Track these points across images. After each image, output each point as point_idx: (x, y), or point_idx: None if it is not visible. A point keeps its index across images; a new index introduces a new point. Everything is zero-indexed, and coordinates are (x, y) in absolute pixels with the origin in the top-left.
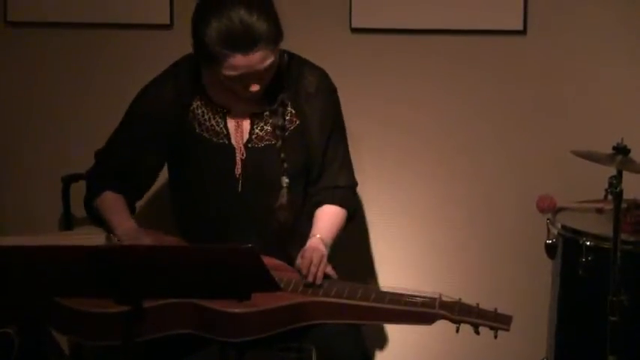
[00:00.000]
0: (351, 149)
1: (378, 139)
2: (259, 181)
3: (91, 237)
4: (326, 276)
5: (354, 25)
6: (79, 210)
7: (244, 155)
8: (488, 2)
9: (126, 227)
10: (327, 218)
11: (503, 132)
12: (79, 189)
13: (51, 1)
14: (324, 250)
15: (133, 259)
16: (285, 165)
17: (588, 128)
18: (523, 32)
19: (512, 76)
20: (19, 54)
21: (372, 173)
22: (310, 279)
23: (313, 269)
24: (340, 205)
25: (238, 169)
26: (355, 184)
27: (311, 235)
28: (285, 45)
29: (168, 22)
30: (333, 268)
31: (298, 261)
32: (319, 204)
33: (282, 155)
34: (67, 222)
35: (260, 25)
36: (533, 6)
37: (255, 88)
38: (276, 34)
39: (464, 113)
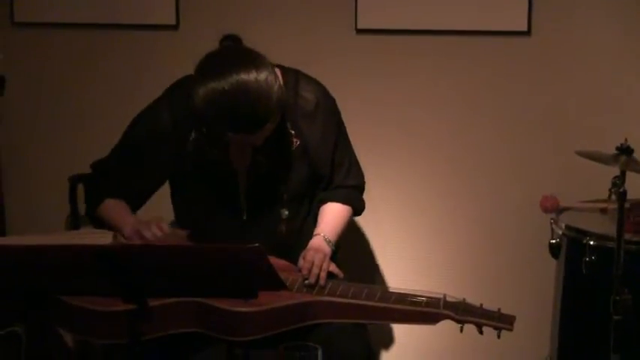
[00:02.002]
0: (355, 149)
1: (382, 139)
2: (263, 209)
3: (98, 236)
4: (331, 275)
5: (359, 26)
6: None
7: (247, 183)
8: (493, 3)
9: (131, 223)
10: (331, 216)
11: (507, 132)
12: None
13: (57, 2)
14: (326, 250)
15: (139, 258)
16: (285, 196)
17: (592, 129)
18: (527, 33)
19: (517, 76)
20: (25, 54)
21: (377, 173)
22: (312, 280)
23: (315, 270)
24: (344, 202)
25: (242, 199)
26: (363, 183)
27: (314, 234)
28: (291, 46)
29: (174, 22)
30: (338, 266)
31: (300, 262)
32: (323, 202)
33: (282, 186)
34: (74, 221)
35: (267, 98)
36: (538, 7)
37: (254, 144)
38: (282, 101)
39: (469, 113)
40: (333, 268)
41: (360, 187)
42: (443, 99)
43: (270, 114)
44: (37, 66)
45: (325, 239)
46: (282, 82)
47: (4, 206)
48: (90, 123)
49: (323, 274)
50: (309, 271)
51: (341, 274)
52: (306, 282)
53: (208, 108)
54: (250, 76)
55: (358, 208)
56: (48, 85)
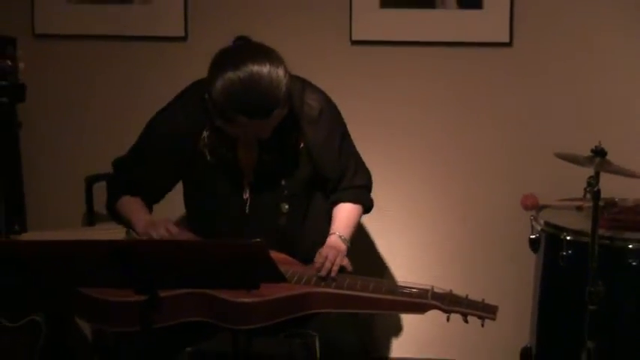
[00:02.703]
0: None
1: (377, 144)
2: (264, 203)
3: (112, 232)
4: (343, 269)
5: (354, 38)
6: (100, 207)
7: (252, 179)
8: (477, 16)
9: (143, 221)
10: (344, 215)
11: (491, 136)
12: (100, 188)
13: (74, 16)
14: (341, 247)
15: (150, 252)
16: (286, 192)
17: (569, 132)
18: (509, 44)
19: (500, 84)
20: (45, 64)
21: (374, 177)
22: (323, 273)
23: (328, 264)
24: (354, 202)
25: (246, 193)
26: (370, 182)
27: (330, 232)
28: (289, 57)
29: (183, 34)
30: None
31: (316, 257)
32: (335, 203)
33: (283, 182)
34: (90, 218)
35: (276, 88)
36: (518, 21)
37: (261, 137)
38: (289, 93)
39: (455, 120)
40: (345, 262)
41: (367, 186)
42: (432, 105)
43: (279, 102)
44: (55, 75)
45: (340, 237)
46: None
47: (25, 204)
48: (104, 127)
49: (335, 268)
50: (322, 264)
51: (350, 268)
52: (318, 274)
53: (225, 95)
54: (263, 68)
55: (367, 205)
56: (65, 93)
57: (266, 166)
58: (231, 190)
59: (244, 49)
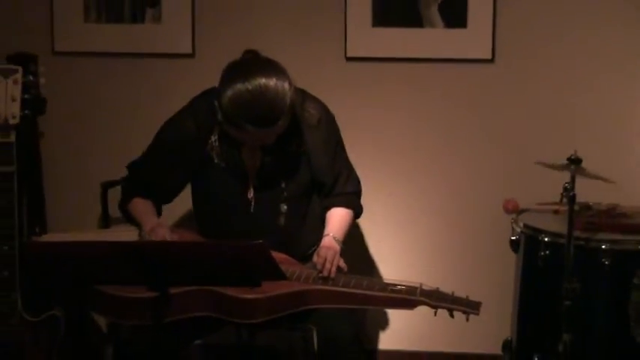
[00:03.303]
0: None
1: (369, 151)
2: (266, 203)
3: (125, 234)
4: (339, 269)
5: (348, 55)
6: (115, 211)
7: (256, 181)
8: (462, 35)
9: (151, 223)
10: (337, 218)
11: (475, 146)
12: (115, 193)
13: (91, 34)
14: (336, 248)
15: (161, 253)
16: (285, 194)
17: (547, 142)
18: (492, 61)
19: (483, 98)
20: (63, 79)
21: (367, 183)
22: (326, 273)
23: (328, 265)
24: (347, 207)
25: (250, 193)
26: (360, 190)
27: (324, 234)
28: (290, 71)
29: (190, 51)
30: (346, 263)
31: (315, 258)
32: (328, 208)
33: (283, 185)
34: (105, 221)
35: (281, 99)
36: (500, 39)
37: (265, 143)
38: (293, 103)
39: (442, 130)
40: (341, 263)
41: (357, 193)
42: (421, 117)
43: (283, 112)
44: (73, 89)
45: (334, 238)
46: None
47: (45, 208)
48: (118, 136)
49: (334, 269)
50: (323, 265)
51: (345, 268)
52: (320, 275)
53: (235, 104)
54: (270, 81)
55: (358, 211)
56: (82, 105)
57: (268, 168)
58: (237, 190)
59: (253, 63)
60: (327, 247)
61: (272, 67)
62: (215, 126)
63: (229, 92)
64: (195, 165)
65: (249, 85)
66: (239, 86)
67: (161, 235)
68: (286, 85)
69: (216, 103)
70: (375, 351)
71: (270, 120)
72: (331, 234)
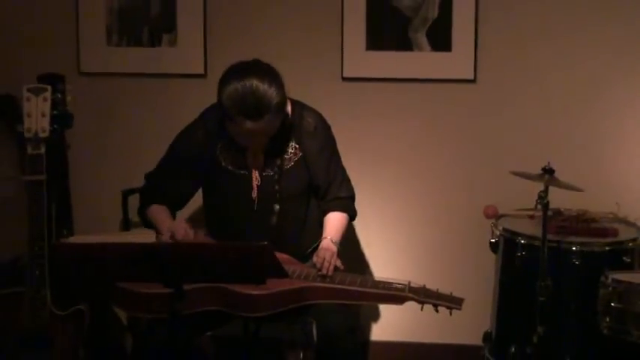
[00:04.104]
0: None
1: (363, 161)
2: (266, 202)
3: (144, 236)
4: (336, 268)
5: (344, 75)
6: (134, 215)
7: (259, 182)
8: (447, 58)
9: (168, 224)
10: (334, 222)
11: (459, 158)
12: (134, 200)
13: (113, 56)
14: (333, 249)
15: (176, 253)
16: (278, 195)
17: (523, 154)
18: (474, 81)
19: (466, 114)
20: (89, 96)
21: (361, 190)
22: (324, 272)
23: (326, 265)
24: (342, 211)
25: (254, 193)
26: (354, 194)
27: (323, 237)
28: (292, 89)
29: (202, 72)
30: (343, 263)
31: (314, 259)
32: (326, 212)
33: (277, 187)
34: (126, 225)
35: (269, 98)
36: (482, 62)
37: (257, 142)
38: (280, 106)
39: (429, 142)
40: (338, 262)
41: (352, 198)
42: (410, 131)
43: (270, 108)
44: (97, 105)
45: (332, 241)
46: (288, 99)
47: (72, 213)
48: (137, 148)
49: (331, 268)
50: (322, 265)
51: (342, 267)
52: (320, 273)
53: (229, 99)
54: (260, 82)
55: (352, 215)
56: (105, 120)
57: (268, 170)
58: (242, 190)
59: (251, 66)
60: (325, 248)
61: (265, 72)
62: (222, 132)
63: (226, 89)
64: (205, 171)
65: (243, 84)
66: (234, 84)
67: (182, 229)
68: (274, 86)
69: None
70: (368, 342)
71: (257, 113)
72: (329, 237)
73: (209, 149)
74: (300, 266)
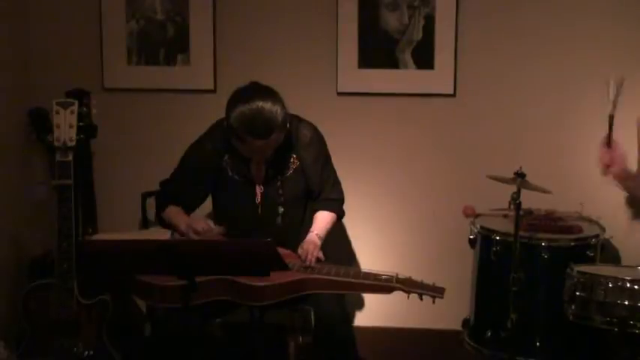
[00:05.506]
0: (338, 175)
1: (354, 167)
2: (269, 206)
3: (160, 234)
4: (319, 259)
5: (339, 90)
6: (152, 216)
7: (262, 189)
8: (430, 75)
9: (184, 222)
10: (321, 219)
11: (441, 163)
12: (152, 202)
13: (133, 74)
14: (317, 242)
15: (189, 249)
16: (282, 199)
17: (498, 160)
18: (454, 95)
19: (446, 124)
20: (111, 109)
21: (351, 192)
22: (307, 263)
23: (309, 257)
24: (330, 210)
25: (258, 199)
26: (343, 197)
27: (310, 231)
28: (289, 103)
29: (212, 88)
30: (325, 254)
31: (299, 250)
32: (316, 211)
33: (280, 192)
34: (144, 224)
35: (275, 117)
36: (461, 78)
37: (263, 154)
38: (284, 122)
39: (414, 149)
40: (320, 254)
41: (341, 200)
42: (397, 139)
43: (275, 127)
44: (119, 118)
45: (317, 235)
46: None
47: (96, 213)
48: (154, 156)
49: (313, 259)
50: (305, 256)
51: (323, 258)
52: (302, 264)
53: (238, 121)
54: (266, 104)
55: (340, 214)
56: (126, 131)
57: (270, 178)
58: (247, 196)
59: (254, 89)
60: (309, 241)
61: (268, 93)
62: (228, 146)
63: (234, 112)
64: (213, 179)
65: (250, 107)
66: (241, 107)
67: (201, 223)
68: (278, 107)
69: (225, 123)
70: (359, 327)
71: (266, 133)
72: (315, 232)
73: (217, 160)
74: (299, 260)
